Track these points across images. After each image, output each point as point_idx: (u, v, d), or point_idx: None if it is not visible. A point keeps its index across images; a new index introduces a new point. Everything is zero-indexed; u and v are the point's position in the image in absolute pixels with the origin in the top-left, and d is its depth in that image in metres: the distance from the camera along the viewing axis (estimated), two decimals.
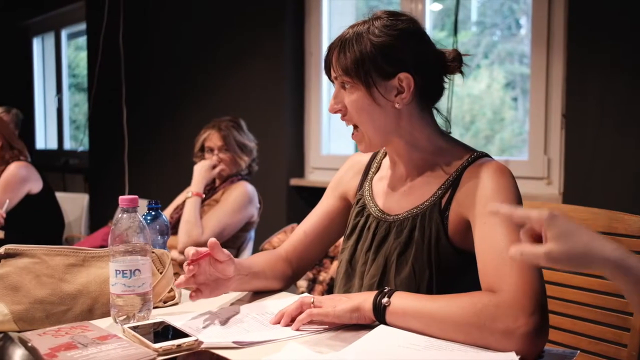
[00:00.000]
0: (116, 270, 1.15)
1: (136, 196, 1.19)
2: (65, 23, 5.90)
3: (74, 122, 6.19)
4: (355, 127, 1.27)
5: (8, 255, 1.23)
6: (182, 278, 1.19)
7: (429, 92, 1.26)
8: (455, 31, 2.75)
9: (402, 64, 1.21)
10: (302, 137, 3.52)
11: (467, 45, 3.21)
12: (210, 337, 1.08)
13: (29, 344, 0.90)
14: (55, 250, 1.26)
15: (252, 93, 3.64)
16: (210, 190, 2.63)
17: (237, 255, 2.62)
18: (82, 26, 5.43)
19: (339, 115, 1.28)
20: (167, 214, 2.64)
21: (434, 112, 1.30)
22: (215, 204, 2.55)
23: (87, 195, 3.95)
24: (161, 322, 1.13)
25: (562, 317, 1.46)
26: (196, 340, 1.04)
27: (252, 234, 2.69)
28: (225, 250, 1.21)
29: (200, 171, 2.58)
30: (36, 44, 6.44)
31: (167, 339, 1.03)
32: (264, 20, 3.56)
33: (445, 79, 1.28)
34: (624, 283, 0.86)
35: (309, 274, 2.50)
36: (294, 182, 3.44)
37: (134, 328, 1.09)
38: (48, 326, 1.15)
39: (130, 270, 1.15)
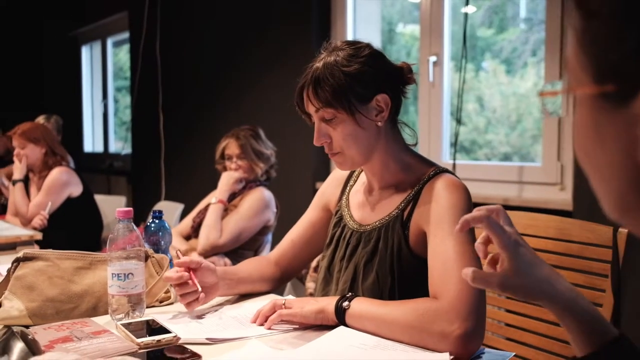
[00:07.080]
0: (112, 274, 1.31)
1: (131, 208, 1.35)
2: (111, 32, 6.21)
3: (124, 123, 6.47)
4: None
5: (26, 259, 1.41)
6: (172, 273, 1.35)
7: (397, 107, 1.37)
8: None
9: (376, 85, 1.31)
10: None
11: (515, 42, 3.16)
12: (189, 333, 1.22)
13: (29, 337, 1.06)
14: (66, 255, 1.43)
15: (280, 99, 3.77)
16: (230, 196, 2.78)
17: None
18: (126, 34, 5.71)
19: None
20: (190, 217, 2.82)
21: (400, 127, 1.41)
22: (234, 209, 2.70)
23: (124, 198, 4.18)
24: (151, 320, 1.28)
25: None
26: (175, 336, 1.18)
27: (269, 237, 2.82)
28: (211, 265, 1.37)
29: (229, 182, 2.72)
30: (85, 52, 6.79)
31: (150, 335, 1.18)
32: (291, 27, 3.68)
33: (405, 92, 1.37)
34: (571, 322, 0.84)
35: (316, 276, 2.62)
36: (319, 186, 3.55)
37: (126, 325, 1.24)
38: (58, 321, 1.32)
39: (125, 274, 1.30)
